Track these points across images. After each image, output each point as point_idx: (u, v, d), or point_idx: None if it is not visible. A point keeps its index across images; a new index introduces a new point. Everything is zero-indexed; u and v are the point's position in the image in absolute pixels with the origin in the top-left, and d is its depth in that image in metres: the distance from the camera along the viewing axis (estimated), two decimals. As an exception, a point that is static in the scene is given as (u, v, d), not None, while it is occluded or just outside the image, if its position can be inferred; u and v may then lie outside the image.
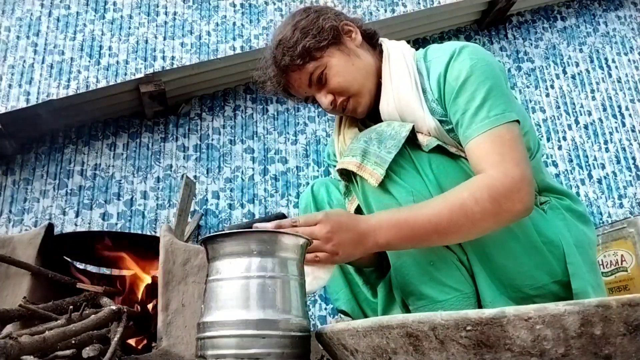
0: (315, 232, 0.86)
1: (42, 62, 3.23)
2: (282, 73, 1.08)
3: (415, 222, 0.88)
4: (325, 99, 1.07)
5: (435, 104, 1.01)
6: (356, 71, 1.07)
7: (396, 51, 1.09)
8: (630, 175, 3.85)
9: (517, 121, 0.94)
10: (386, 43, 1.13)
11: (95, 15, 3.41)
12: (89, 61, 3.29)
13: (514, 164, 0.90)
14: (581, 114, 3.95)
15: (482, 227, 0.88)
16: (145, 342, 1.31)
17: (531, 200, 0.90)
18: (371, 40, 1.15)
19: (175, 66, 3.31)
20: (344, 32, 1.09)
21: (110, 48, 3.36)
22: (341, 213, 0.93)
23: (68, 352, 0.94)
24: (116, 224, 2.93)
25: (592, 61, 4.16)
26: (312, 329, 0.80)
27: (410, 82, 1.03)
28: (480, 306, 0.94)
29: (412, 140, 0.96)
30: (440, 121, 1.00)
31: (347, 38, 1.09)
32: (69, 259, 1.53)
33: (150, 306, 1.37)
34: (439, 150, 0.97)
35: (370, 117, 1.16)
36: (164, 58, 3.40)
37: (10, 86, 3.14)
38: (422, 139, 0.97)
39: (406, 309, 1.01)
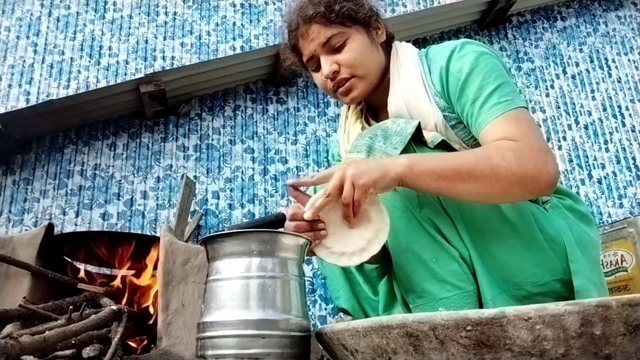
0: (330, 171, 0.85)
1: (42, 62, 3.23)
2: (304, 21, 1.08)
3: (439, 157, 0.90)
4: (329, 66, 1.07)
5: (438, 97, 1.03)
6: (371, 58, 1.09)
7: (404, 50, 1.13)
8: (630, 175, 3.85)
9: (527, 109, 0.96)
10: (395, 43, 1.17)
11: (95, 15, 3.41)
12: (89, 61, 3.29)
13: (536, 139, 0.90)
14: (581, 114, 3.95)
15: (504, 186, 0.86)
16: (145, 342, 1.31)
17: (557, 175, 0.89)
18: (388, 42, 1.18)
19: (175, 66, 3.31)
20: (373, 26, 1.13)
21: (110, 48, 3.36)
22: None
23: (68, 352, 0.94)
24: (116, 224, 2.93)
25: (592, 61, 4.16)
26: (312, 329, 0.80)
27: (418, 76, 1.06)
28: (481, 304, 0.93)
29: (417, 137, 0.96)
30: (444, 115, 1.01)
31: (374, 30, 1.13)
32: (69, 259, 1.53)
33: (150, 306, 1.37)
34: (443, 146, 0.97)
35: (374, 117, 1.17)
36: (164, 58, 3.40)
37: (10, 86, 3.13)
38: (427, 135, 0.98)
39: (407, 308, 1.01)
